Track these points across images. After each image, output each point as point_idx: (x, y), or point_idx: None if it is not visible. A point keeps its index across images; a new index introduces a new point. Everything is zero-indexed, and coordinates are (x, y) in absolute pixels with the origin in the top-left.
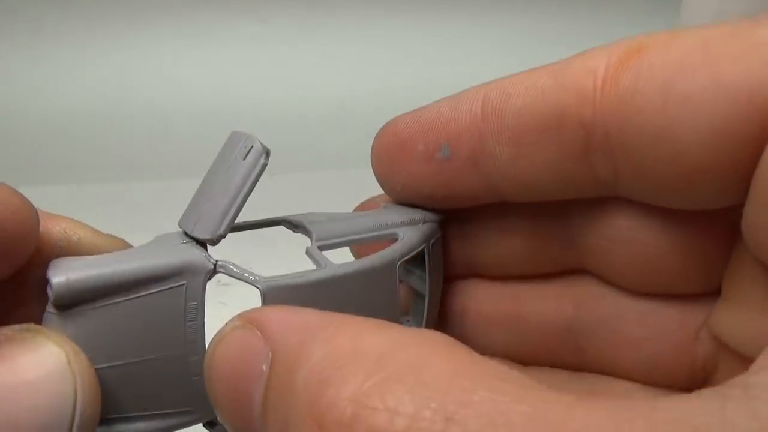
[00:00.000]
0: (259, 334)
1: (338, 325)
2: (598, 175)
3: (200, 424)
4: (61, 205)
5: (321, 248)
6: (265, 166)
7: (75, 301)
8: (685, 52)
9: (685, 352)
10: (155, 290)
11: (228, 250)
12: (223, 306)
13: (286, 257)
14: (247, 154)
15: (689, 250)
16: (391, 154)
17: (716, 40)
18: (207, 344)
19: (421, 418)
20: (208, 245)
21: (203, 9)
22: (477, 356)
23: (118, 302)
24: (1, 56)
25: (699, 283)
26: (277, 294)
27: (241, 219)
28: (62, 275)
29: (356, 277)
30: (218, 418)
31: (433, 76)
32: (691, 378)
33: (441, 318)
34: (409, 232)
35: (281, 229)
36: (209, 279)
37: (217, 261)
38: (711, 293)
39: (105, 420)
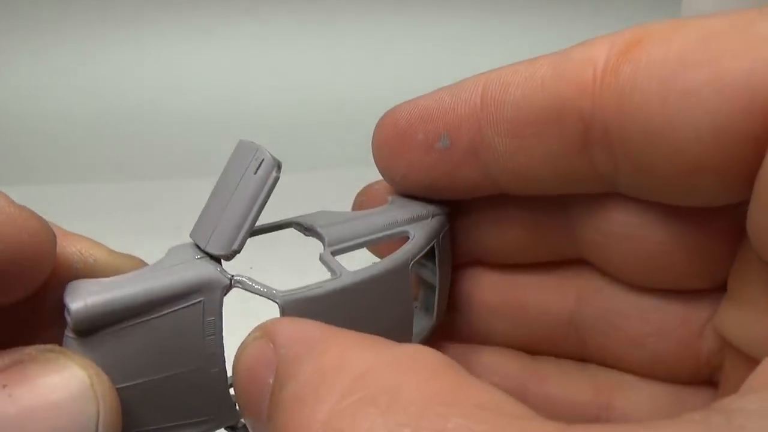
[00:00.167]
0: (272, 346)
1: (329, 340)
2: (598, 170)
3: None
4: (61, 205)
5: (334, 253)
6: (277, 179)
7: (94, 326)
8: (686, 46)
9: (688, 348)
10: (173, 309)
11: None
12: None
13: (288, 258)
14: (258, 168)
15: (691, 247)
16: (390, 144)
17: (718, 34)
18: (225, 355)
19: None
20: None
21: (203, 9)
22: (463, 377)
23: (137, 323)
24: (1, 56)
25: (703, 280)
26: (295, 307)
27: None
28: (80, 301)
29: (371, 282)
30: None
31: (434, 76)
32: (696, 374)
33: (449, 306)
34: (419, 229)
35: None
36: (226, 294)
37: (233, 276)
38: (716, 289)
39: None
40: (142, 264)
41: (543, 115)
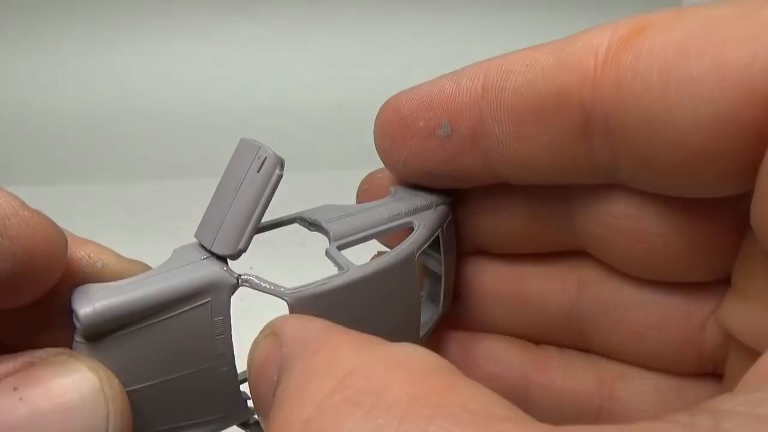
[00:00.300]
0: (279, 344)
1: (324, 340)
2: (598, 160)
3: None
4: (61, 205)
5: (340, 248)
6: (280, 177)
7: (103, 331)
8: (688, 34)
9: (691, 341)
10: (181, 310)
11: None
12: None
13: (287, 258)
14: (261, 166)
15: (693, 239)
16: (392, 129)
17: (721, 23)
18: (236, 354)
19: None
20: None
21: (203, 9)
22: (453, 378)
23: (146, 326)
24: (1, 56)
25: (705, 273)
26: (303, 304)
27: None
28: (88, 306)
29: (378, 275)
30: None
31: (434, 75)
32: (699, 366)
33: (453, 294)
34: (423, 219)
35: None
36: (233, 293)
37: (240, 275)
38: (719, 282)
39: None
40: (148, 269)
41: (544, 102)
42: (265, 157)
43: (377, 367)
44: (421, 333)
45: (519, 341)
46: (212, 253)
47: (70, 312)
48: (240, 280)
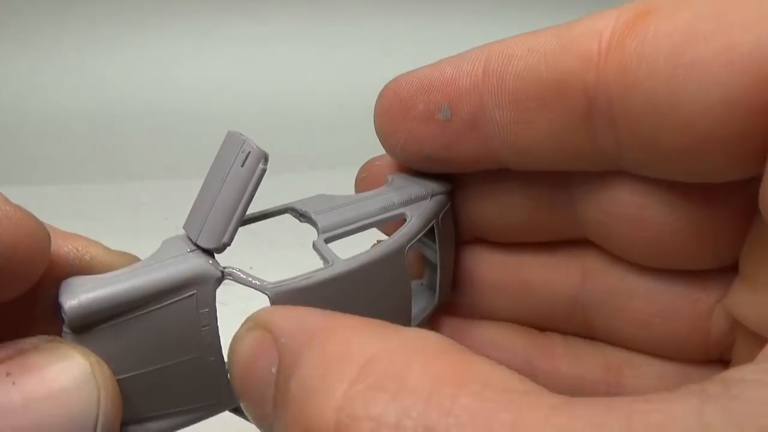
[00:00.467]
0: (270, 336)
1: (331, 328)
2: (601, 147)
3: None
4: (59, 205)
5: (327, 240)
6: (264, 171)
7: (89, 323)
8: (695, 18)
9: (697, 329)
10: (167, 302)
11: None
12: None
13: (288, 258)
14: (245, 160)
15: (700, 226)
16: (391, 113)
17: (729, 6)
18: (223, 344)
19: (402, 428)
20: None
21: (203, 9)
22: (467, 357)
23: (133, 317)
24: (1, 56)
25: (712, 260)
26: (285, 298)
27: None
28: (74, 299)
29: (365, 269)
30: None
31: None
32: (706, 353)
33: (453, 283)
34: (417, 210)
35: (278, 225)
36: (218, 286)
37: (224, 268)
38: (726, 269)
39: (132, 421)
40: (136, 260)
41: (546, 88)
42: (249, 152)
43: (395, 351)
44: (414, 324)
45: (522, 328)
46: (198, 246)
47: (58, 305)
48: (224, 273)
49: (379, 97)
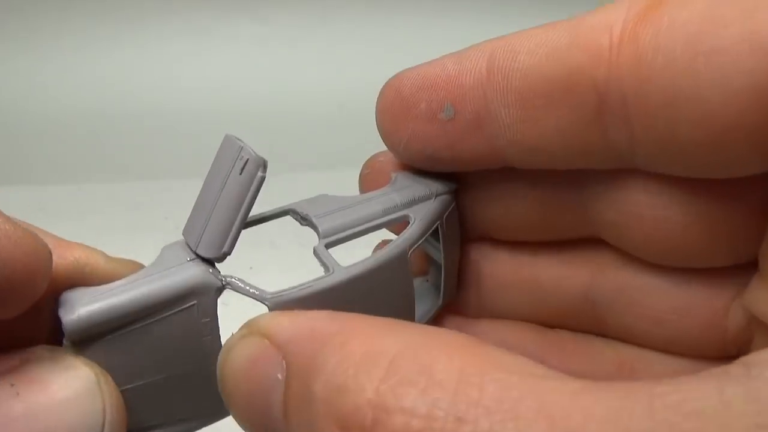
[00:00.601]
0: (268, 343)
1: (349, 330)
2: (612, 144)
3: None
4: (61, 205)
5: (328, 245)
6: (263, 179)
7: (89, 336)
8: (712, 4)
9: (713, 326)
10: (168, 313)
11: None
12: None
13: (288, 258)
14: (243, 168)
15: (716, 223)
16: (393, 111)
17: None
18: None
19: (434, 419)
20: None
21: (203, 9)
22: (487, 349)
23: (133, 329)
24: (1, 56)
25: (728, 257)
26: (285, 308)
27: None
28: (73, 313)
29: (366, 276)
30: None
31: None
32: (722, 350)
33: (458, 282)
34: (421, 212)
35: (278, 224)
36: (219, 295)
37: (224, 278)
38: (742, 265)
39: (135, 431)
40: (139, 267)
41: (553, 85)
42: (247, 159)
43: (418, 348)
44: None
45: (531, 325)
46: (198, 255)
47: (57, 318)
48: (224, 283)
49: (380, 94)
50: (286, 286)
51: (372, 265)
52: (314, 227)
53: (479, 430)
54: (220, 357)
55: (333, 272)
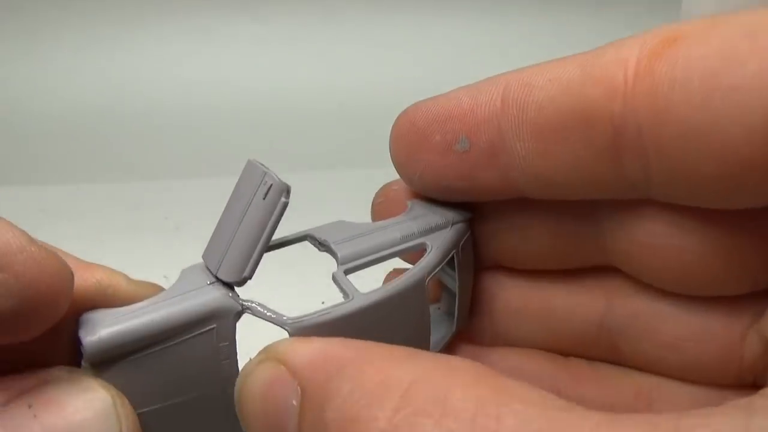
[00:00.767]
0: (284, 369)
1: (363, 357)
2: (628, 176)
3: None
4: (61, 205)
5: (347, 272)
6: (286, 204)
7: (109, 358)
8: (729, 42)
9: (730, 353)
10: (187, 337)
11: None
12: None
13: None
14: (267, 193)
15: (732, 252)
16: (407, 143)
17: (763, 28)
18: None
19: None
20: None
21: (203, 9)
22: (503, 380)
23: (152, 352)
24: (1, 56)
25: (744, 284)
26: (305, 333)
27: None
28: (93, 334)
29: (385, 303)
30: None
31: (435, 75)
32: (739, 377)
33: (471, 310)
34: (438, 240)
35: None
36: (238, 320)
37: (243, 302)
38: (760, 293)
39: None
40: (159, 289)
41: (569, 118)
42: (271, 185)
43: (433, 377)
44: (432, 350)
45: (545, 353)
46: (218, 278)
47: (78, 339)
48: (244, 307)
49: (394, 126)
50: (304, 311)
51: (391, 292)
52: (333, 254)
53: None
54: (238, 381)
55: (352, 299)
